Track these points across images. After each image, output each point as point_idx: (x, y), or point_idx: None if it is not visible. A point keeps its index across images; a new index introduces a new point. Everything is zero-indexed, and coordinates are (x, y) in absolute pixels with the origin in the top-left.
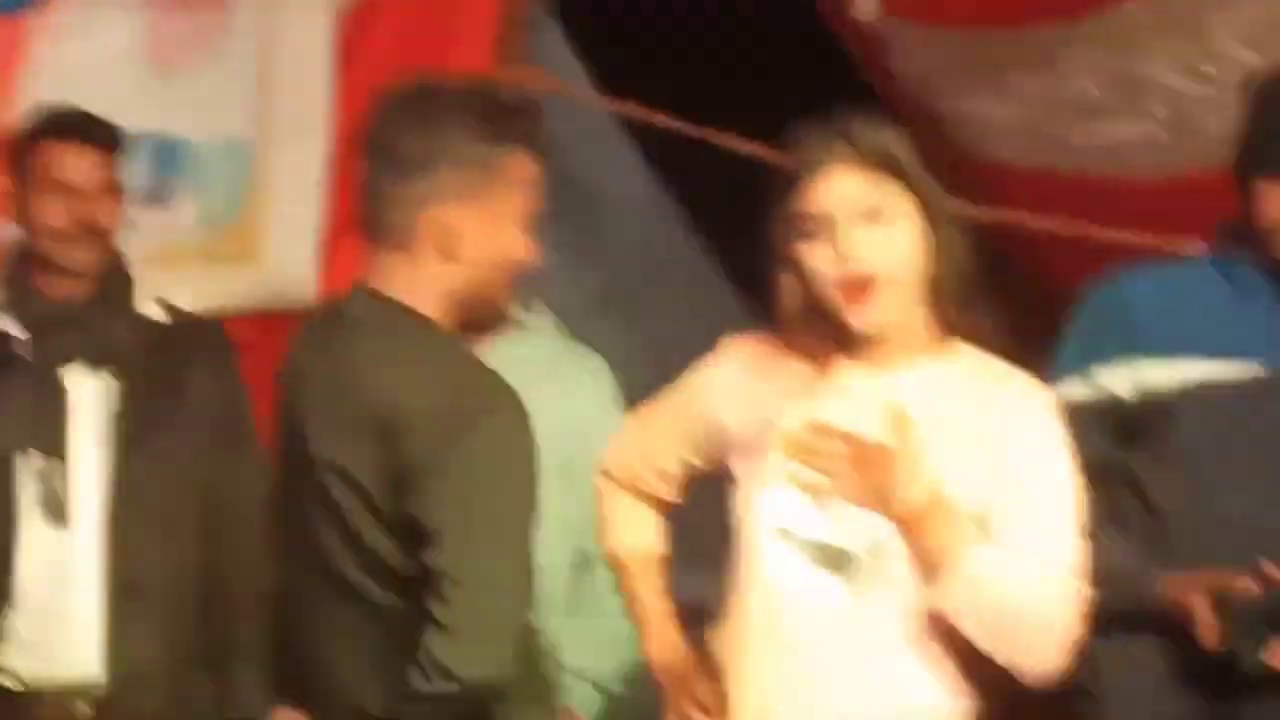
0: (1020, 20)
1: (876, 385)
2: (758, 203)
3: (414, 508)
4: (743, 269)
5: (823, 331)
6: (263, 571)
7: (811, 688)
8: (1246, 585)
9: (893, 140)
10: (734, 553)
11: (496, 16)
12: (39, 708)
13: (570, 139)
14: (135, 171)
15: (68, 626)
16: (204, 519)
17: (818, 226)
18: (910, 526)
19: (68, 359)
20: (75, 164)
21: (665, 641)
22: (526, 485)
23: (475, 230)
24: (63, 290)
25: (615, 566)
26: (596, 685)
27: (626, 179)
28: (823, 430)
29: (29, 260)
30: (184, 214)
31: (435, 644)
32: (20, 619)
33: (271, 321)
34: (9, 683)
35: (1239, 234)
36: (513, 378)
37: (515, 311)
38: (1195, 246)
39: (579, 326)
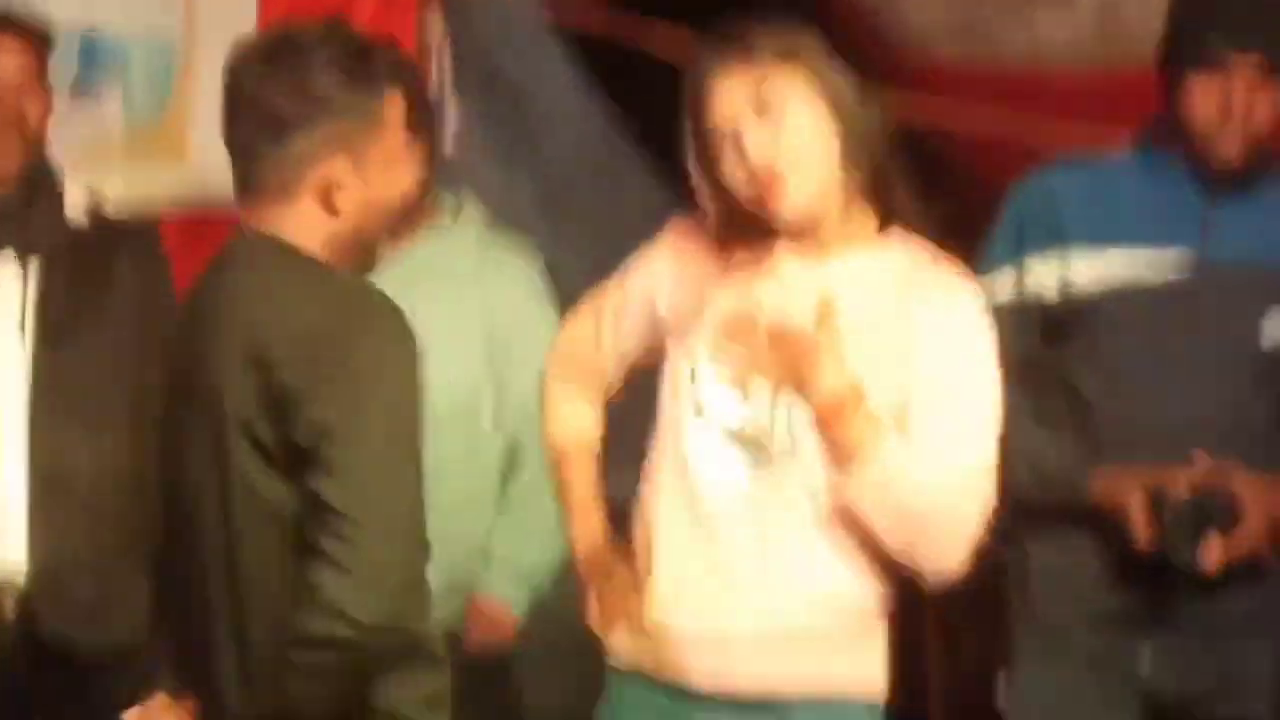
0: None
1: (806, 273)
2: None
3: (295, 436)
4: (681, 170)
5: (753, 223)
6: None
7: (723, 568)
8: (1180, 483)
9: (790, 36)
10: (656, 433)
11: None
12: None
13: (504, 40)
14: (61, 67)
15: None
16: (132, 415)
17: (720, 139)
18: (825, 416)
19: None
20: (1, 59)
21: (589, 529)
22: (409, 406)
23: (356, 179)
24: None
25: (551, 454)
26: (527, 581)
27: (561, 80)
28: (749, 315)
29: None
30: (110, 111)
31: (328, 583)
32: None
33: (198, 220)
34: None
35: (1164, 129)
36: (439, 272)
37: (444, 207)
38: (1121, 142)
39: (514, 229)
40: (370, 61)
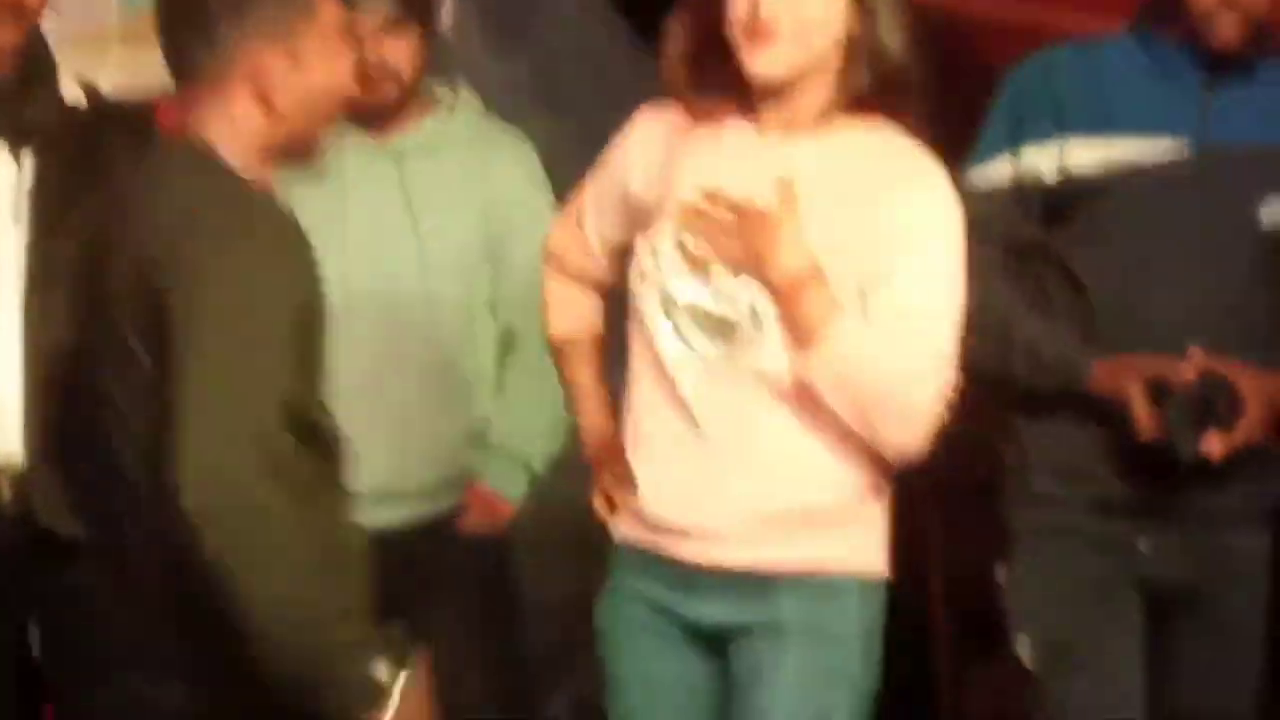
0: None
1: (770, 151)
2: None
3: (161, 331)
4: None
5: (712, 81)
6: None
7: (702, 454)
8: (1182, 372)
9: None
10: (630, 320)
11: None
12: None
13: None
14: None
15: None
16: None
17: None
18: (785, 296)
19: None
20: None
21: (594, 422)
22: (272, 311)
23: (291, 71)
24: None
25: (553, 350)
26: (524, 466)
27: None
28: (711, 195)
29: None
30: None
31: (167, 471)
32: None
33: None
34: None
35: (1162, 12)
36: (435, 158)
37: (439, 92)
38: (1118, 26)
39: (508, 116)
40: None
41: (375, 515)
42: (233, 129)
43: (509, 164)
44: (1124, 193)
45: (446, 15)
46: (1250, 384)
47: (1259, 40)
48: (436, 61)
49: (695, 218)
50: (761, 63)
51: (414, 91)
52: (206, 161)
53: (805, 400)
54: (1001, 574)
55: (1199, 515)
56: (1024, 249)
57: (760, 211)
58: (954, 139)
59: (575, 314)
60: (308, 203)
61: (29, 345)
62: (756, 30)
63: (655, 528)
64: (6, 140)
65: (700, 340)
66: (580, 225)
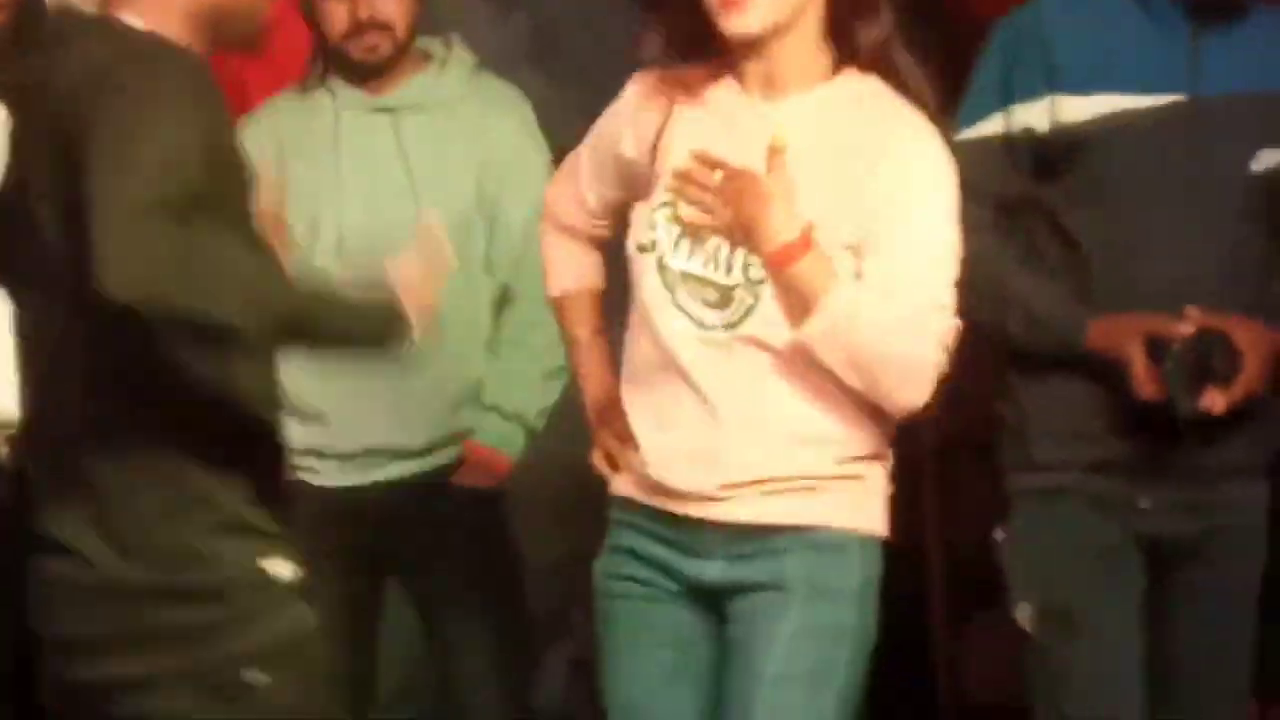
0: None
1: (760, 115)
2: None
3: (76, 180)
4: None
5: (699, 46)
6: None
7: (703, 420)
8: (1181, 330)
9: None
10: (627, 286)
11: None
12: None
13: None
14: None
15: None
16: None
17: None
18: (779, 264)
19: None
20: None
21: (595, 379)
22: (182, 136)
23: None
24: None
25: (553, 306)
26: (520, 422)
27: None
28: (703, 161)
29: None
30: None
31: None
32: None
33: None
34: None
35: None
36: (429, 111)
37: (432, 46)
38: None
39: (504, 72)
40: None
41: (373, 472)
42: (160, 6)
43: (504, 120)
44: (1116, 146)
45: None
46: (1247, 337)
47: None
48: (431, 19)
49: (686, 185)
50: (735, 22)
51: (406, 47)
52: (114, 28)
53: (804, 365)
54: (1000, 535)
55: (1199, 470)
56: (1015, 206)
57: (750, 176)
58: (943, 91)
59: (574, 271)
60: (301, 158)
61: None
62: None
63: (656, 488)
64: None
65: (698, 308)
66: (577, 183)
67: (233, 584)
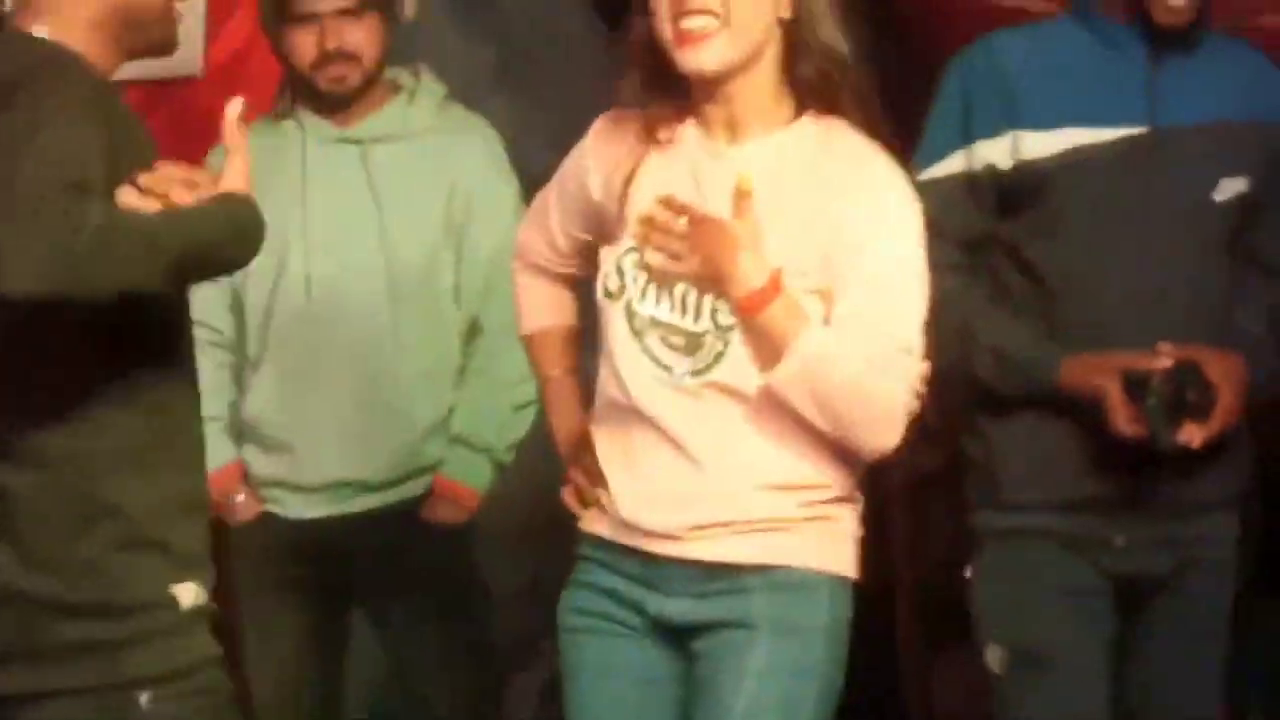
0: None
1: (724, 159)
2: None
3: None
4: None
5: (662, 88)
6: None
7: (667, 461)
8: (1157, 365)
9: None
10: (598, 330)
11: None
12: None
13: None
14: None
15: None
16: None
17: None
18: (749, 309)
19: None
20: None
21: (566, 417)
22: (63, 148)
23: None
24: None
25: (526, 346)
26: (488, 455)
27: None
28: (668, 205)
29: None
30: None
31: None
32: None
33: (159, 89)
34: None
35: None
36: (398, 143)
37: (401, 77)
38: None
39: (475, 102)
40: None
41: (339, 505)
42: (62, 18)
43: (473, 152)
44: (1078, 179)
45: (412, 4)
46: (1219, 368)
47: (1200, 15)
48: (401, 47)
49: (652, 230)
50: (691, 58)
51: (375, 77)
52: (18, 43)
53: (774, 410)
54: (970, 573)
55: (1174, 505)
56: (980, 243)
57: (716, 222)
58: (902, 128)
59: (546, 310)
60: (269, 189)
61: None
62: (686, 30)
63: (625, 526)
64: None
65: (667, 354)
66: (547, 224)
67: (135, 605)
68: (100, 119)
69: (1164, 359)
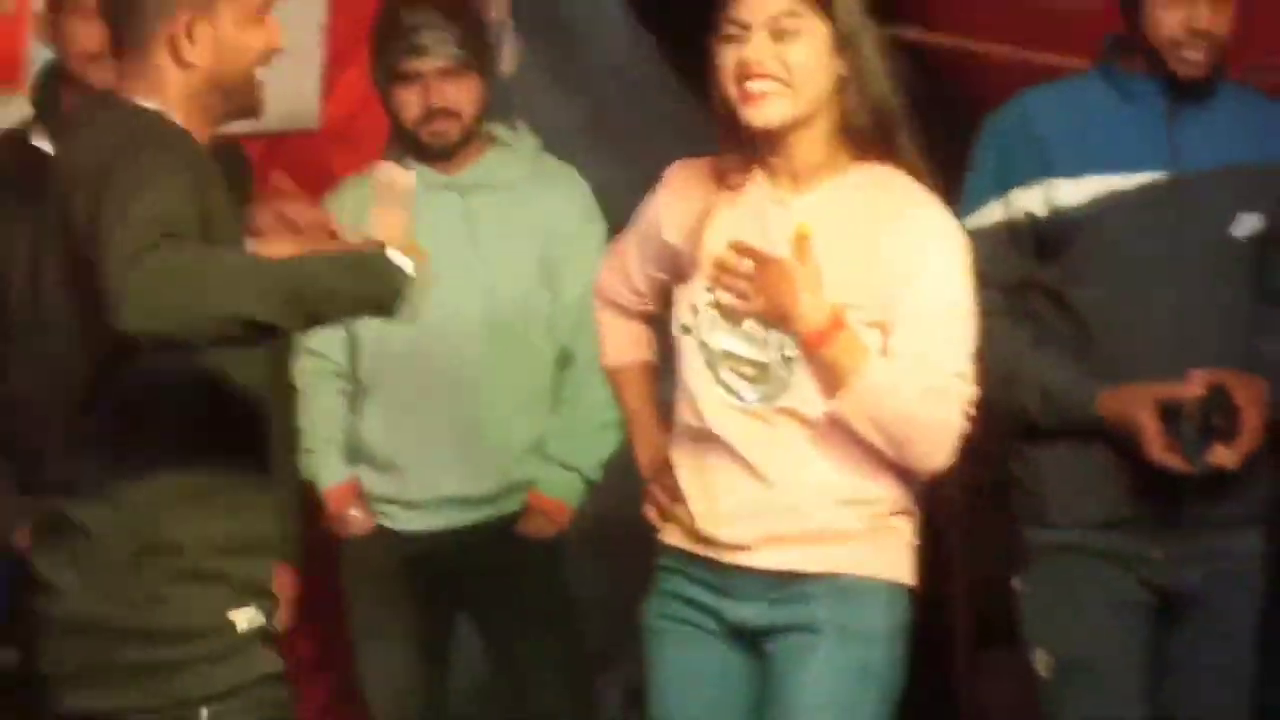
0: None
1: (786, 205)
2: None
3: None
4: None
5: (734, 136)
6: None
7: (741, 482)
8: (1189, 393)
9: None
10: (675, 364)
11: None
12: None
13: None
14: None
15: None
16: None
17: (738, 30)
18: (811, 346)
19: None
20: None
21: (648, 443)
22: (166, 205)
23: (206, 33)
24: None
25: (609, 378)
26: (579, 474)
27: (609, 4)
28: (737, 250)
29: (59, 78)
30: None
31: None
32: None
33: (279, 142)
34: None
35: (1126, 46)
36: (497, 190)
37: (498, 130)
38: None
39: (565, 153)
40: None
41: (447, 518)
42: (149, 82)
43: (564, 198)
44: (1106, 224)
45: (509, 61)
46: (1245, 393)
47: (1217, 66)
48: (499, 101)
49: (723, 272)
50: (754, 115)
51: (474, 130)
52: (119, 106)
53: (839, 433)
54: (1019, 584)
55: (1204, 522)
56: (1021, 287)
57: (780, 265)
58: (944, 175)
59: (626, 345)
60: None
61: None
62: (749, 87)
63: (702, 539)
64: None
65: (738, 383)
66: (626, 265)
67: (193, 630)
68: (192, 173)
69: (1196, 386)
